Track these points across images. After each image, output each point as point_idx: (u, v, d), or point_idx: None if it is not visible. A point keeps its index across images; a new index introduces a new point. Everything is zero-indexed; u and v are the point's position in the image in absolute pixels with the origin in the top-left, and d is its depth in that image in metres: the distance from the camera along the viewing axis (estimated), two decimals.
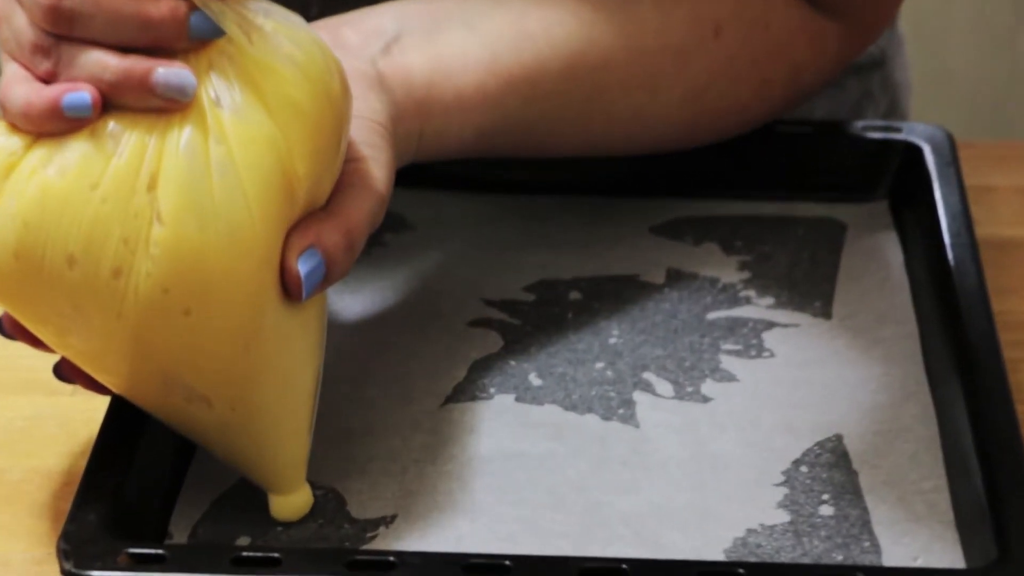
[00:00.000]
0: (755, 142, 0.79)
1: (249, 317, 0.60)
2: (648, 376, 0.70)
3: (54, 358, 0.64)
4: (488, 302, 0.74)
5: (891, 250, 0.77)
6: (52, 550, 0.63)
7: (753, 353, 0.71)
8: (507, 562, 0.59)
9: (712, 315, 0.73)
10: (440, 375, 0.70)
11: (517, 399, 0.69)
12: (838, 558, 0.62)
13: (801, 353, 0.71)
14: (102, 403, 0.66)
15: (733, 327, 0.73)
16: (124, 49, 0.59)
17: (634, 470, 0.66)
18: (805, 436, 0.67)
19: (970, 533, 0.63)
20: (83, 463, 0.64)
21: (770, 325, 0.73)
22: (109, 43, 0.59)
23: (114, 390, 0.63)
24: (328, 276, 0.61)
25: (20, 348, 0.64)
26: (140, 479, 0.64)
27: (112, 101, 0.59)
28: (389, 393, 0.69)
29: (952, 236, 0.73)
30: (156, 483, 0.65)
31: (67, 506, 0.62)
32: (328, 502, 0.64)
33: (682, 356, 0.71)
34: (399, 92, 0.68)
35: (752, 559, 0.62)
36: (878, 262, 0.76)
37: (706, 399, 0.69)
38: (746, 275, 0.75)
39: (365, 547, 0.63)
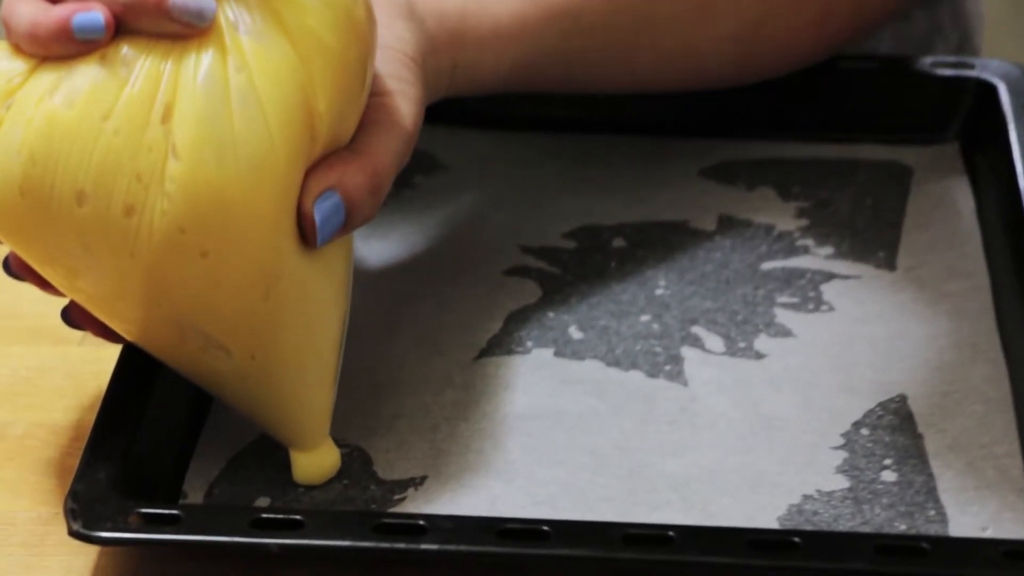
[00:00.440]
0: (815, 79, 0.78)
1: (271, 260, 0.60)
2: (697, 330, 0.70)
3: (61, 303, 0.64)
4: (526, 249, 0.74)
5: (961, 196, 0.76)
6: (59, 509, 0.63)
7: (811, 307, 0.71)
8: (545, 527, 0.59)
9: (767, 265, 0.73)
10: (474, 327, 0.70)
11: (556, 353, 0.69)
12: (901, 527, 0.62)
13: (862, 307, 0.71)
14: (112, 353, 0.66)
15: (789, 278, 0.73)
16: None
17: (681, 430, 0.66)
18: (866, 396, 0.67)
19: None
20: (92, 417, 0.64)
21: (829, 276, 0.73)
22: None
23: (126, 337, 0.63)
24: (350, 220, 0.61)
25: (24, 294, 0.65)
26: (153, 434, 0.64)
27: (125, 24, 0.59)
28: (419, 346, 0.69)
29: None
30: (170, 439, 0.65)
31: (75, 463, 0.63)
32: (353, 461, 0.65)
33: (734, 309, 0.71)
34: (430, 21, 0.68)
35: (808, 527, 0.62)
36: (947, 209, 0.76)
37: (759, 355, 0.69)
38: (804, 222, 0.75)
39: (393, 510, 0.63)
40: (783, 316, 0.71)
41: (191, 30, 0.59)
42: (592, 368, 0.69)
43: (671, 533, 0.59)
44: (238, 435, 0.66)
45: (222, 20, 0.59)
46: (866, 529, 0.62)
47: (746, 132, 0.79)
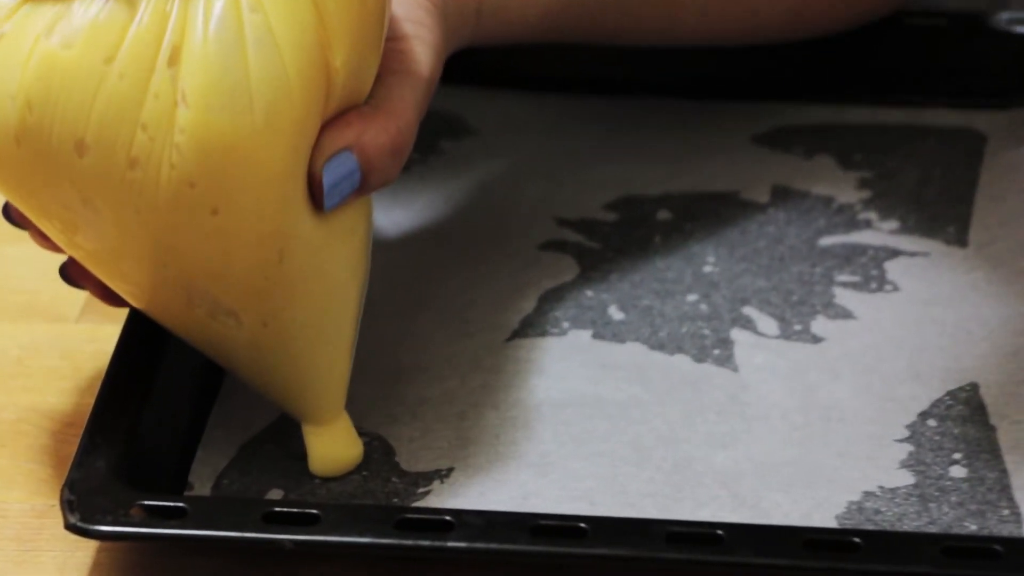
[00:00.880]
0: (878, 36, 0.78)
1: (286, 220, 0.60)
2: (749, 311, 0.70)
3: (56, 281, 0.64)
4: (562, 222, 0.74)
5: None
6: (55, 501, 0.63)
7: (873, 286, 0.71)
8: (582, 524, 0.59)
9: (825, 241, 0.73)
10: (505, 306, 0.70)
11: (595, 335, 0.69)
12: (971, 528, 0.62)
13: (930, 287, 0.71)
14: (112, 331, 0.66)
15: (850, 255, 0.72)
16: None
17: (731, 421, 0.66)
18: (934, 385, 0.67)
19: None
20: (90, 401, 0.64)
21: (894, 253, 0.72)
22: None
23: (128, 300, 0.63)
24: (367, 183, 0.61)
25: (15, 268, 0.65)
26: (156, 420, 0.64)
27: None
28: (445, 326, 0.69)
29: None
30: (175, 425, 0.65)
31: (72, 451, 0.63)
32: (374, 451, 0.65)
33: (789, 288, 0.71)
34: None
35: (869, 527, 0.62)
36: None
37: (817, 339, 0.69)
38: (866, 194, 0.75)
39: (416, 504, 0.63)
40: (843, 296, 0.71)
41: None
42: (634, 352, 0.68)
43: (719, 532, 0.59)
44: (249, 421, 0.66)
45: None
46: (933, 529, 0.62)
47: (803, 95, 0.79)
